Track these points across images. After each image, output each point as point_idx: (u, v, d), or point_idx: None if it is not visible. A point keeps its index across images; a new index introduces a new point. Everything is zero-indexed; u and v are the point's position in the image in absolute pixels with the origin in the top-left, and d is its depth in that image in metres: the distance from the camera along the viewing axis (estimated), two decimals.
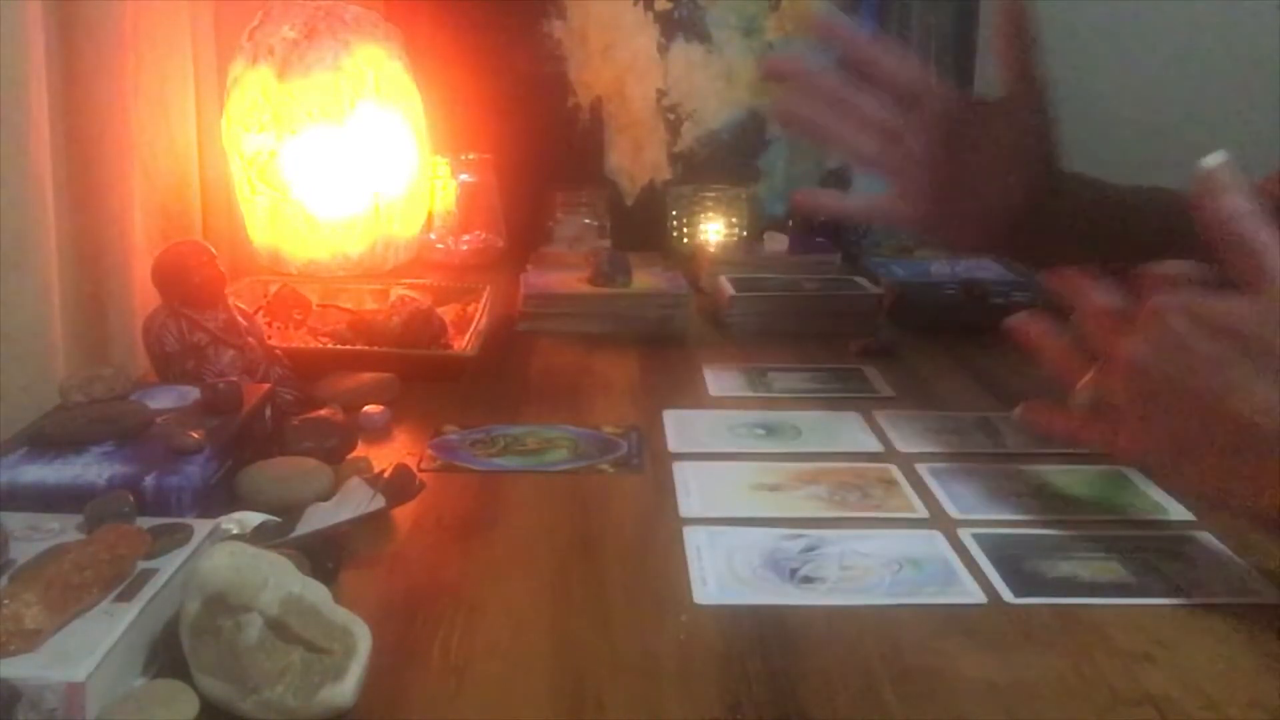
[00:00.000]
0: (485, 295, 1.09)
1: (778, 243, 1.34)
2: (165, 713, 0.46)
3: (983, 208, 0.81)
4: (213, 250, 0.83)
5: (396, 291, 1.09)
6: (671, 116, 1.49)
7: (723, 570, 0.61)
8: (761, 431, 0.83)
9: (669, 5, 1.46)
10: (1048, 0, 1.55)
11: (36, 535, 0.55)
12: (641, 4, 1.46)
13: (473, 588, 0.59)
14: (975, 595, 0.59)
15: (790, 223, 1.42)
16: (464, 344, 0.96)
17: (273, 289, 1.07)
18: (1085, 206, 0.82)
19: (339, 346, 0.96)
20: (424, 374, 0.91)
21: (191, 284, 0.81)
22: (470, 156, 1.39)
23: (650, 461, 0.77)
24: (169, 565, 0.52)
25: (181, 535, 0.55)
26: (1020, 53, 0.84)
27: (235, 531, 0.60)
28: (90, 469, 0.63)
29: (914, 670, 0.52)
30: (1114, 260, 0.78)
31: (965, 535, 0.66)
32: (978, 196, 0.81)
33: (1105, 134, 1.49)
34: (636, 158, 1.50)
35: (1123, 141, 1.49)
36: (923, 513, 0.70)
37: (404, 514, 0.67)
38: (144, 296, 0.91)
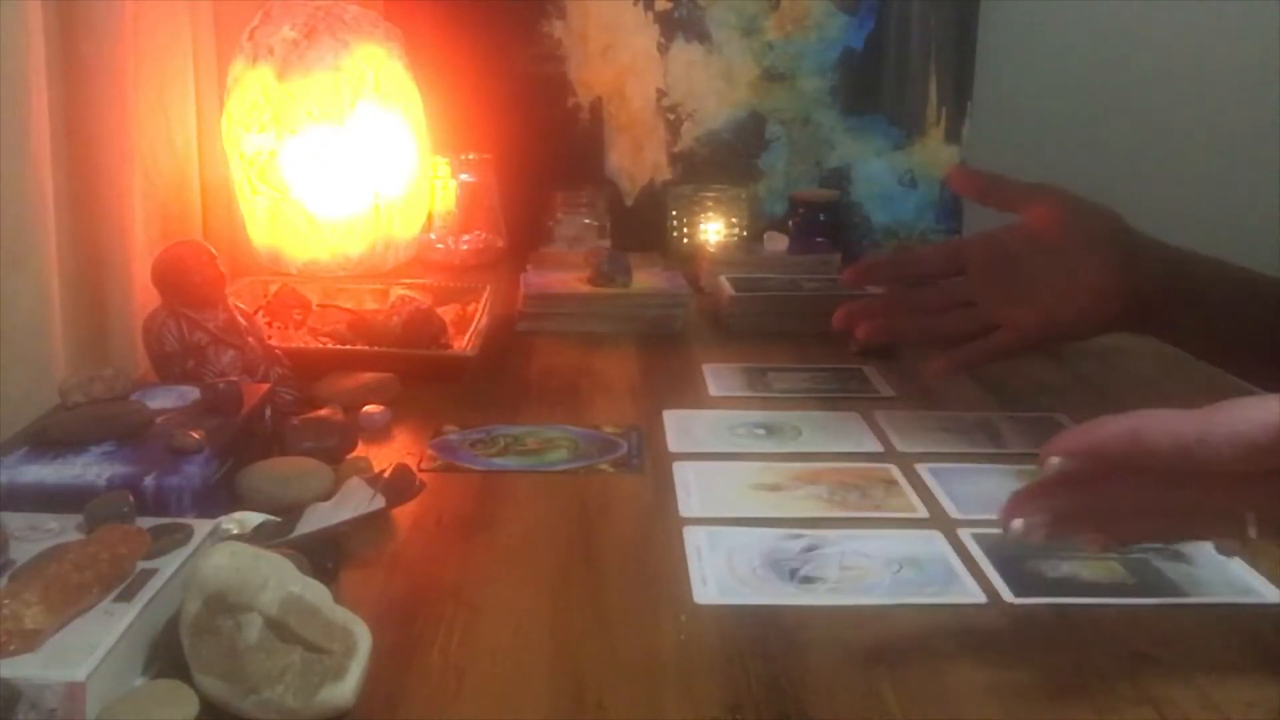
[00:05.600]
0: (485, 295, 1.09)
1: (778, 243, 1.34)
2: (165, 713, 0.46)
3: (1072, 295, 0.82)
4: (213, 250, 0.83)
5: (396, 291, 1.09)
6: (671, 116, 1.49)
7: (723, 570, 0.61)
8: (761, 431, 0.83)
9: (669, 5, 1.46)
10: (1047, 3, 1.55)
11: (36, 535, 0.55)
12: (641, 4, 1.46)
13: (473, 588, 0.59)
14: (975, 595, 0.59)
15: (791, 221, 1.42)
16: (464, 344, 0.96)
17: (273, 289, 1.07)
18: (1201, 277, 0.82)
19: (339, 346, 0.96)
20: (424, 374, 0.91)
21: (191, 284, 0.81)
22: (470, 156, 1.39)
23: (650, 461, 0.77)
24: (169, 565, 0.52)
25: (181, 535, 0.55)
26: (1020, 195, 0.85)
27: (235, 531, 0.60)
28: (90, 469, 0.63)
29: (914, 670, 0.52)
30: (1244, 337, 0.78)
31: (965, 535, 0.66)
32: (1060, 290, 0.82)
33: (1106, 139, 1.49)
34: (636, 158, 1.50)
35: (1123, 146, 1.49)
36: (923, 513, 0.70)
37: (404, 514, 0.67)
38: (144, 296, 0.91)
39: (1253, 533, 0.52)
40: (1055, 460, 0.50)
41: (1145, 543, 0.65)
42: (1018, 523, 0.51)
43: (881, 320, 0.89)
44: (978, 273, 0.87)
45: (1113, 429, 0.50)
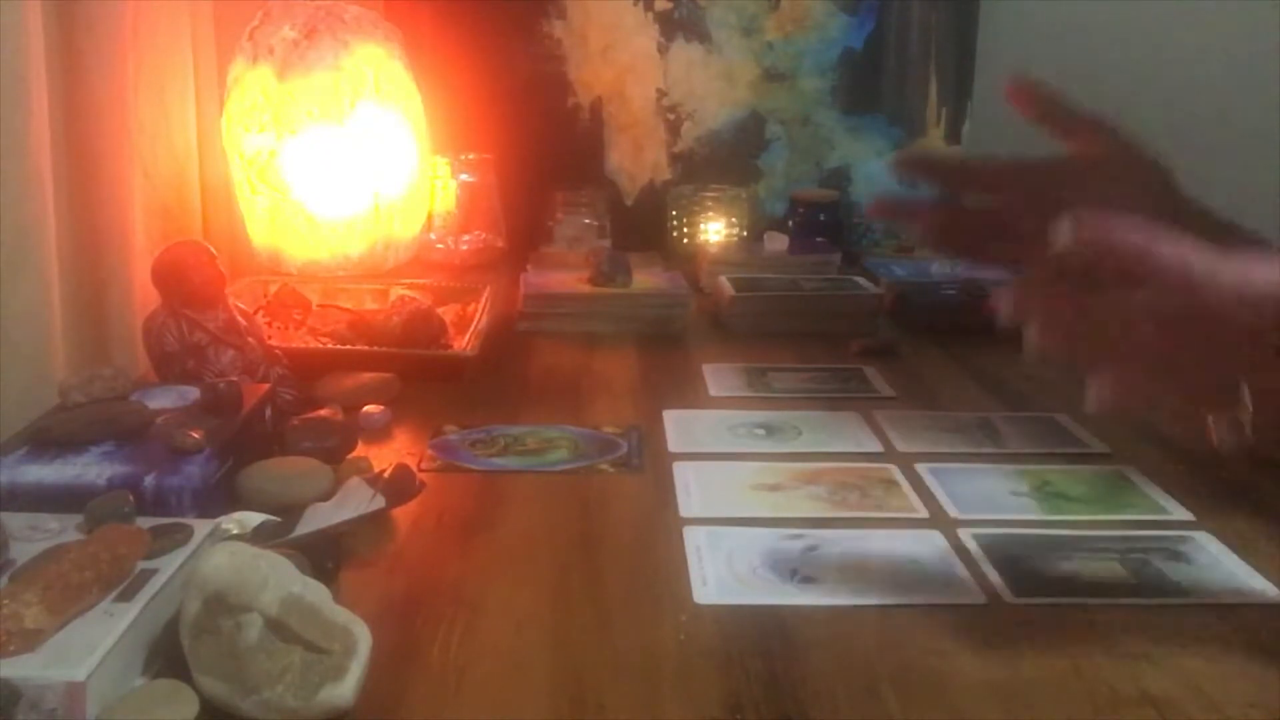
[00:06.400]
0: (485, 295, 1.09)
1: (778, 243, 1.34)
2: (165, 713, 0.46)
3: None
4: (213, 250, 0.83)
5: (396, 291, 1.09)
6: (671, 116, 1.49)
7: (722, 570, 0.61)
8: (761, 431, 0.83)
9: (669, 5, 1.46)
10: (1047, 3, 1.55)
11: (36, 535, 0.55)
12: (641, 4, 1.46)
13: (473, 588, 0.59)
14: (975, 595, 0.59)
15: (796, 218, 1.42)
16: (464, 344, 0.96)
17: (273, 289, 1.07)
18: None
19: (339, 346, 0.96)
20: (424, 374, 0.91)
21: (191, 284, 0.81)
22: (470, 156, 1.39)
23: (650, 461, 0.77)
24: (169, 565, 0.52)
25: (181, 535, 0.55)
26: (1076, 126, 0.79)
27: (235, 531, 0.60)
28: (90, 469, 0.63)
29: (914, 670, 0.52)
30: None
31: (965, 535, 0.66)
32: None
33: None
34: (636, 158, 1.50)
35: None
36: (923, 513, 0.70)
37: (404, 514, 0.67)
38: (144, 296, 0.91)
39: (1246, 409, 0.51)
40: (1064, 231, 0.50)
41: (1134, 392, 0.59)
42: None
43: (932, 223, 0.74)
44: (1019, 204, 0.79)
45: (1129, 230, 0.50)
